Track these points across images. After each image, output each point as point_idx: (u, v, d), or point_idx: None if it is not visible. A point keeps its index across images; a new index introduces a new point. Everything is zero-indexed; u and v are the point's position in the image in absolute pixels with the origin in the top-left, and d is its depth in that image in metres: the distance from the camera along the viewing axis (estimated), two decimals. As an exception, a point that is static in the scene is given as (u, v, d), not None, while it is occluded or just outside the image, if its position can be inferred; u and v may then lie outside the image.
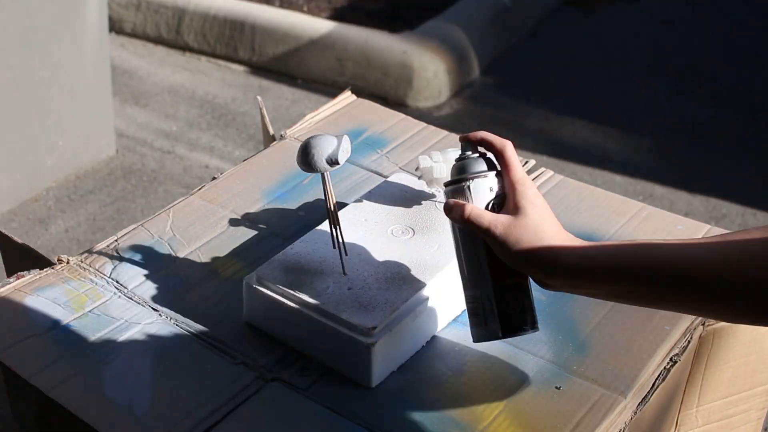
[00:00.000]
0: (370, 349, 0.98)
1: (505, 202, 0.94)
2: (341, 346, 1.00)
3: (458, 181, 0.96)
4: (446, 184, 0.98)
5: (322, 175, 1.04)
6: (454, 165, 0.99)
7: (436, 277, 1.05)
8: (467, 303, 0.99)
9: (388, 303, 1.01)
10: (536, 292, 1.15)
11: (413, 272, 1.06)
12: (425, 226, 1.14)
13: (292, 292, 1.03)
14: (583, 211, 1.29)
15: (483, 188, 0.95)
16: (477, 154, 0.98)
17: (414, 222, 1.14)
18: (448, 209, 0.95)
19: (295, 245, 1.10)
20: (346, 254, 1.06)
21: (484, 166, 0.96)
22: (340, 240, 1.06)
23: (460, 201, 0.95)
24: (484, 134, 0.97)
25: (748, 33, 3.45)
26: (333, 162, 1.02)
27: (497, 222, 0.91)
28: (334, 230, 1.06)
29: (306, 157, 1.02)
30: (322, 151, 1.01)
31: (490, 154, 0.98)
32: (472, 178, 0.95)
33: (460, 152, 1.00)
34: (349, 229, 1.11)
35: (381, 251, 1.09)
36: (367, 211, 1.16)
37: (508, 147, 0.96)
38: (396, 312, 1.00)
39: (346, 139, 1.03)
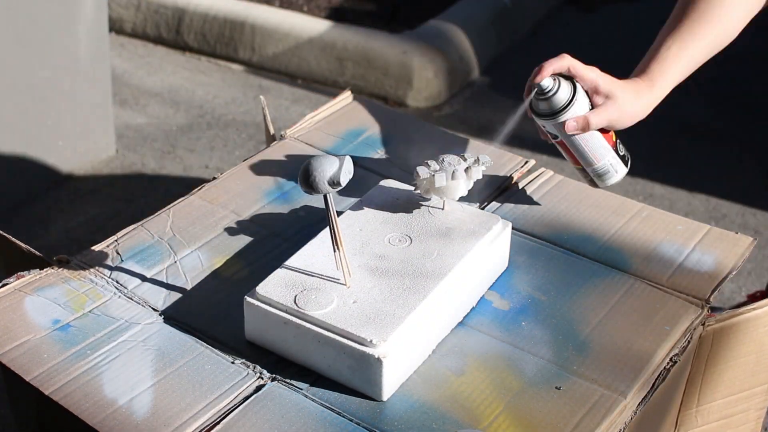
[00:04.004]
0: (381, 363, 0.97)
1: (591, 97, 1.18)
2: (351, 361, 0.99)
3: (566, 107, 1.17)
4: (552, 114, 1.17)
5: (325, 197, 1.03)
6: (546, 99, 1.17)
7: (440, 285, 1.05)
8: (599, 173, 1.24)
9: (396, 314, 1.01)
10: (536, 291, 1.15)
11: (417, 281, 1.05)
12: (422, 232, 1.13)
13: (296, 308, 1.01)
14: (583, 211, 1.29)
15: (581, 100, 1.17)
16: (557, 82, 1.16)
17: (410, 229, 1.14)
18: (576, 127, 1.17)
19: (293, 260, 1.08)
20: (350, 275, 1.05)
21: (571, 86, 1.17)
22: (345, 261, 1.05)
23: (580, 116, 1.17)
24: (548, 68, 1.15)
25: (748, 33, 3.45)
26: (335, 183, 1.00)
27: (608, 113, 1.17)
28: (337, 252, 1.05)
29: (308, 179, 1.01)
30: (324, 172, 1.00)
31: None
32: (574, 99, 1.17)
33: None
34: (346, 240, 1.10)
35: (382, 261, 1.09)
36: (361, 220, 1.16)
37: (568, 60, 1.16)
38: (404, 323, 1.00)
39: (348, 160, 1.02)
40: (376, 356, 0.97)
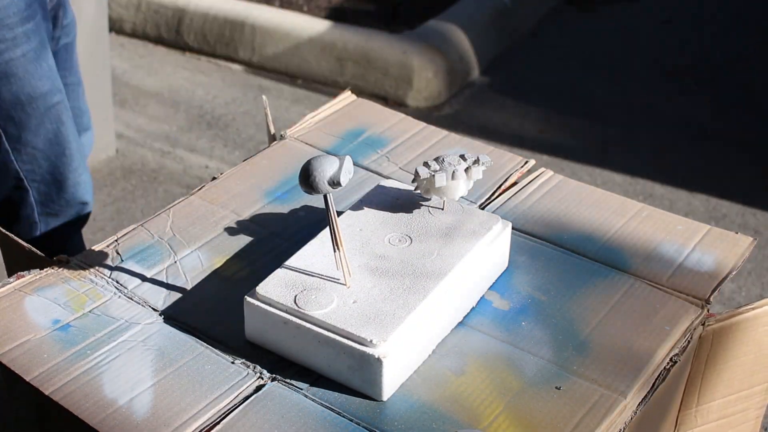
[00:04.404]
0: (381, 363, 0.97)
1: None
2: (351, 361, 0.99)
3: None
4: None
5: (325, 197, 1.03)
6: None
7: (440, 285, 1.05)
8: None
9: (396, 314, 1.01)
10: (536, 291, 1.15)
11: (417, 281, 1.05)
12: (421, 232, 1.13)
13: (296, 308, 1.01)
14: (583, 211, 1.29)
15: None
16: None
17: (409, 229, 1.14)
18: None
19: (293, 260, 1.08)
20: (350, 275, 1.06)
21: None
22: (345, 262, 1.05)
23: None
24: None
25: (748, 33, 3.45)
26: (335, 183, 1.00)
27: None
28: (337, 252, 1.05)
29: (308, 179, 1.01)
30: (324, 172, 1.00)
31: None
32: None
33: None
34: (346, 240, 1.10)
35: (381, 261, 1.09)
36: (361, 220, 1.16)
37: None
38: (404, 323, 1.00)
39: (348, 160, 1.02)
40: (376, 356, 0.97)
